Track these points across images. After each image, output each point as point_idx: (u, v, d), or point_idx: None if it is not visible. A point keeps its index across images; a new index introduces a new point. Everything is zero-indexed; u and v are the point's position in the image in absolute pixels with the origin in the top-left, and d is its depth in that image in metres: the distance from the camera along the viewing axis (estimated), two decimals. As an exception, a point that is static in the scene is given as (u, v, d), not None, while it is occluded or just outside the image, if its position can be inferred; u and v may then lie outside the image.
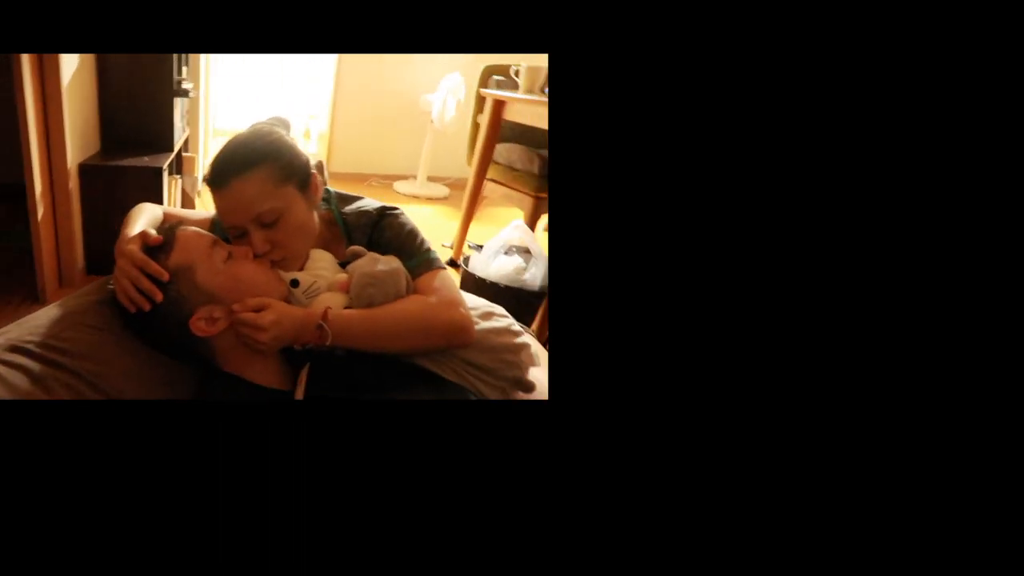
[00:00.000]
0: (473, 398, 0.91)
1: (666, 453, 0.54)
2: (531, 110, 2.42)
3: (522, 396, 0.99)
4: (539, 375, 1.02)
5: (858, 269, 0.52)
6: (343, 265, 0.95)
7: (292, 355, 0.89)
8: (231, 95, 4.74)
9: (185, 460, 0.58)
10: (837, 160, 0.52)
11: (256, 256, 0.87)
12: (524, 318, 1.97)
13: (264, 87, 4.93)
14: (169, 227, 0.87)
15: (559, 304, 0.58)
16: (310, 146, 5.10)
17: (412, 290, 0.93)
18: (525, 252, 2.08)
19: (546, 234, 3.33)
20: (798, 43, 0.52)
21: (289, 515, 0.57)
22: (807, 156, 0.52)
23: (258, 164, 0.85)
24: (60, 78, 1.92)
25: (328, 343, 0.83)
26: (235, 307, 0.81)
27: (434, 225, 3.77)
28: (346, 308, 0.88)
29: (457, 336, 0.90)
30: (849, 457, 0.52)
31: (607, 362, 0.56)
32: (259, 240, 0.86)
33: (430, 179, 4.61)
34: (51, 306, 0.90)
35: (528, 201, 2.56)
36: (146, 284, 0.79)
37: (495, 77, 2.81)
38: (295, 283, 0.88)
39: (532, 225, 2.56)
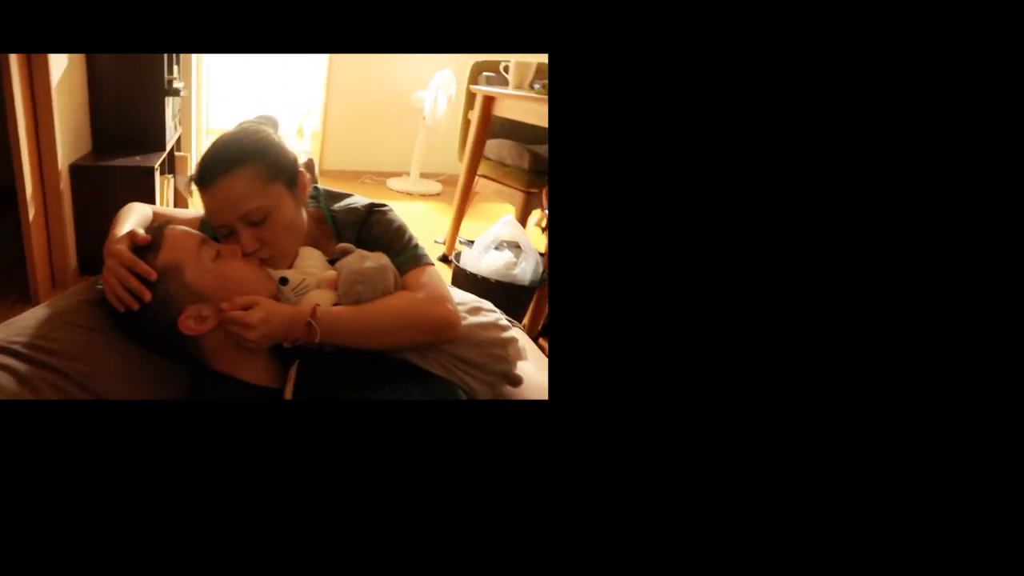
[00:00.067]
0: (462, 393, 0.92)
1: (666, 453, 0.54)
2: (520, 105, 2.42)
3: (510, 390, 1.00)
4: (527, 369, 1.03)
5: (858, 267, 0.52)
6: (332, 262, 0.95)
7: (282, 352, 0.89)
8: (225, 94, 4.73)
9: (184, 461, 0.58)
10: (836, 159, 0.52)
11: (245, 254, 0.87)
12: (515, 312, 1.98)
13: (258, 86, 4.93)
14: (157, 226, 0.87)
15: (559, 304, 0.58)
16: (304, 144, 5.10)
17: (400, 286, 0.94)
18: (515, 247, 2.09)
19: (537, 229, 3.35)
20: (797, 43, 0.52)
21: (289, 516, 0.57)
22: (807, 156, 0.52)
23: (245, 163, 0.86)
24: (49, 78, 1.92)
25: (317, 340, 0.84)
26: (224, 305, 0.81)
27: (427, 221, 3.78)
28: (335, 305, 0.89)
29: (444, 331, 0.91)
30: (850, 458, 0.52)
31: (607, 362, 0.56)
32: (247, 238, 0.87)
33: (423, 176, 4.61)
34: (39, 307, 0.89)
35: (519, 196, 2.57)
36: (134, 283, 0.80)
37: (485, 73, 2.81)
38: (284, 281, 0.89)
39: (523, 220, 2.57)
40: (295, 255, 0.94)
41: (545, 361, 1.17)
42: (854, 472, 0.51)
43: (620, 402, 0.55)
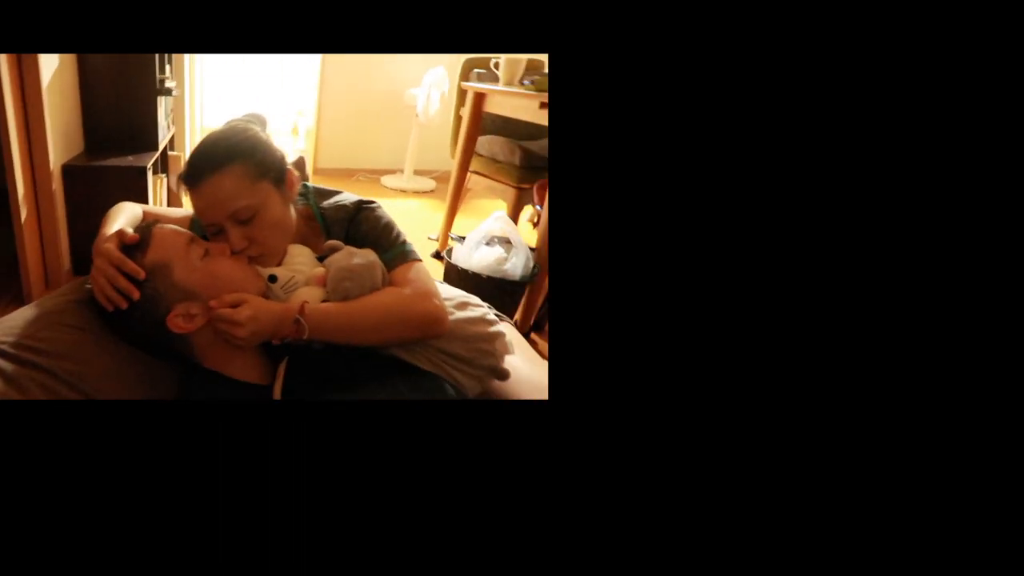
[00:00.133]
0: (449, 387, 0.93)
1: (666, 453, 0.54)
2: (511, 102, 2.43)
3: (498, 384, 1.01)
4: (515, 363, 1.04)
5: (859, 266, 0.52)
6: (322, 259, 0.96)
7: (271, 350, 0.90)
8: (220, 93, 4.73)
9: (180, 461, 0.58)
10: (835, 158, 0.52)
11: (233, 253, 0.88)
12: (506, 307, 1.99)
13: (253, 84, 4.92)
14: (146, 225, 0.88)
15: (559, 304, 0.58)
16: (298, 143, 5.10)
17: (388, 282, 0.95)
18: (506, 242, 2.10)
19: (529, 225, 3.36)
20: (798, 43, 0.52)
21: (289, 517, 0.57)
22: (808, 156, 0.52)
23: (232, 161, 0.86)
24: (40, 79, 1.92)
25: (305, 337, 0.84)
26: (212, 303, 0.82)
27: (421, 218, 3.78)
28: (323, 302, 0.90)
29: (431, 326, 0.92)
30: (850, 459, 0.52)
31: (607, 362, 0.56)
32: (236, 237, 0.88)
33: (417, 173, 4.62)
34: (27, 307, 0.89)
35: (511, 192, 2.59)
36: (123, 282, 0.80)
37: (476, 70, 2.82)
38: (273, 279, 0.90)
39: (515, 216, 2.58)
40: (284, 253, 0.95)
41: (534, 354, 1.18)
42: (854, 472, 0.52)
43: (620, 402, 0.55)
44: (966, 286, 0.50)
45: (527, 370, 1.07)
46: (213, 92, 4.63)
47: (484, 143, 2.85)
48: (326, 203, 1.03)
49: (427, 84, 4.12)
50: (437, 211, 3.86)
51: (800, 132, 0.53)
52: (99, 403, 0.78)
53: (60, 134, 2.17)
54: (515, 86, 2.46)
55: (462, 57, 3.05)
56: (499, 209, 2.36)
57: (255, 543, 0.57)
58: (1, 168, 1.92)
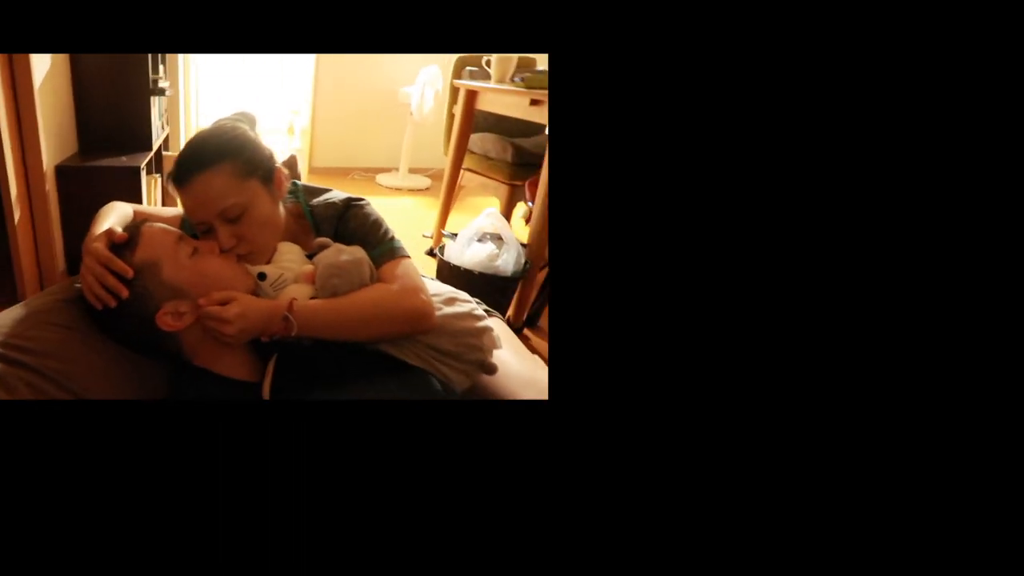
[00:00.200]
0: (437, 382, 0.94)
1: (666, 453, 0.54)
2: (502, 99, 2.44)
3: (486, 378, 1.02)
4: (503, 357, 1.05)
5: (859, 262, 0.52)
6: (311, 257, 0.97)
7: (260, 347, 0.91)
8: (216, 93, 4.73)
9: (181, 461, 0.58)
10: (834, 158, 0.52)
11: (222, 251, 0.89)
12: (498, 303, 2.00)
13: (249, 84, 4.93)
14: (135, 224, 0.89)
15: (559, 304, 0.58)
16: (294, 142, 5.10)
17: (376, 279, 0.96)
18: (497, 239, 2.11)
19: (522, 221, 3.36)
20: (798, 43, 0.52)
21: (289, 519, 0.58)
22: (807, 156, 0.53)
23: (220, 160, 0.87)
24: (31, 79, 1.92)
25: (294, 334, 0.85)
26: (201, 301, 0.82)
27: (416, 216, 3.79)
28: (312, 299, 0.91)
29: (419, 322, 0.93)
30: (850, 459, 0.52)
31: (607, 362, 0.56)
32: (225, 235, 0.88)
33: (412, 171, 4.63)
34: (15, 306, 0.89)
35: (503, 189, 2.60)
36: (111, 281, 0.81)
37: (468, 68, 2.83)
38: (262, 276, 0.91)
39: (508, 212, 2.59)
40: (274, 250, 0.96)
41: (522, 349, 1.19)
42: (854, 472, 0.52)
43: (620, 402, 0.56)
44: (966, 286, 0.50)
45: (516, 364, 1.08)
46: (209, 92, 4.63)
47: (476, 140, 2.86)
48: (315, 201, 1.04)
49: (421, 82, 4.13)
50: (432, 209, 3.87)
51: (800, 132, 0.53)
52: (99, 403, 0.79)
53: (53, 135, 2.17)
54: (506, 83, 2.47)
55: (455, 55, 3.06)
56: (492, 206, 2.37)
57: (255, 543, 0.57)
58: (-6, 169, 1.92)
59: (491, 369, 1.01)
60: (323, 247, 0.97)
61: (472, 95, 2.62)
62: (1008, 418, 0.49)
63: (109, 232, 0.85)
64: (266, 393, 0.84)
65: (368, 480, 0.59)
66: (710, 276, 0.55)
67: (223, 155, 0.88)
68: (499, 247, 2.08)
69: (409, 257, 1.00)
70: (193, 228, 0.95)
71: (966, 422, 0.50)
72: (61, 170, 2.20)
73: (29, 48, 0.65)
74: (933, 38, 0.50)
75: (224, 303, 0.83)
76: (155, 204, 2.81)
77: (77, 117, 2.47)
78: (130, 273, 0.81)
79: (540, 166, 2.26)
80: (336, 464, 0.59)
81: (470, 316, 1.01)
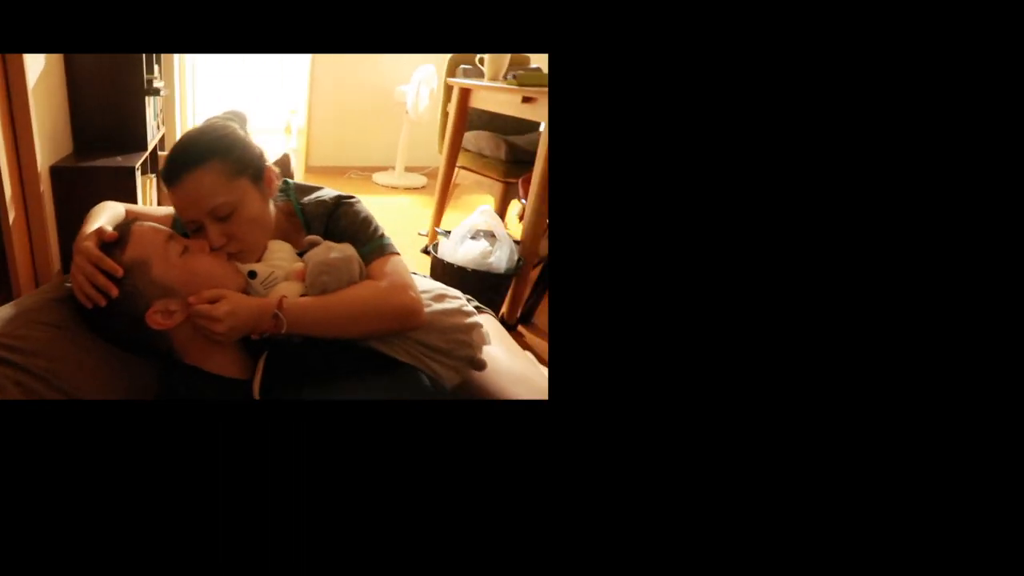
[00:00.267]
0: (426, 379, 0.95)
1: (667, 453, 0.54)
2: (495, 97, 2.45)
3: (476, 374, 1.03)
4: (493, 353, 1.06)
5: (859, 266, 0.52)
6: (301, 255, 0.98)
7: (251, 345, 0.92)
8: (213, 93, 4.72)
9: (181, 461, 0.58)
10: (834, 158, 0.52)
11: (213, 249, 0.89)
12: (492, 300, 2.01)
13: (246, 84, 4.92)
14: (125, 223, 0.89)
15: (559, 304, 0.58)
16: (291, 141, 5.10)
17: (365, 276, 0.97)
18: (491, 236, 2.12)
19: (517, 219, 3.37)
20: (798, 43, 0.52)
21: (289, 519, 0.58)
22: (807, 156, 0.53)
23: (209, 159, 0.87)
24: (25, 80, 1.92)
25: (284, 331, 0.86)
26: (191, 299, 0.83)
27: (412, 214, 3.80)
28: (302, 296, 0.91)
29: (408, 319, 0.94)
30: (850, 459, 0.52)
31: (607, 362, 0.56)
32: (215, 233, 0.89)
33: (408, 169, 4.63)
34: (6, 305, 0.89)
35: (498, 187, 2.61)
36: (101, 280, 0.81)
37: (462, 66, 2.84)
38: (252, 274, 0.91)
39: (502, 210, 2.60)
40: (264, 248, 0.96)
41: (513, 344, 1.20)
42: (854, 472, 0.52)
43: (620, 402, 0.56)
44: (966, 286, 0.50)
45: (506, 361, 1.09)
46: (205, 92, 4.62)
47: (471, 138, 2.87)
48: (306, 199, 1.05)
49: (416, 81, 4.13)
50: (428, 207, 3.86)
51: (800, 131, 0.53)
52: (99, 403, 0.79)
53: (48, 135, 2.18)
54: (499, 81, 2.48)
55: (448, 53, 3.07)
56: (487, 204, 2.38)
57: (255, 543, 0.58)
58: (-12, 170, 1.92)
59: (480, 365, 1.02)
60: (313, 245, 0.97)
61: (465, 93, 2.62)
62: (1008, 418, 0.49)
63: (99, 231, 0.85)
64: (256, 390, 0.85)
65: (370, 481, 0.59)
66: (710, 276, 0.55)
67: (213, 153, 0.88)
68: (492, 244, 2.09)
69: (399, 254, 1.01)
70: (184, 227, 0.95)
71: (966, 422, 0.50)
72: (56, 171, 2.20)
73: (23, 48, 0.65)
74: (933, 38, 0.50)
75: (214, 301, 0.83)
76: (151, 204, 2.81)
77: (72, 117, 2.47)
78: (120, 272, 0.82)
79: (533, 163, 2.26)
80: (337, 465, 0.59)
81: (459, 312, 1.02)
